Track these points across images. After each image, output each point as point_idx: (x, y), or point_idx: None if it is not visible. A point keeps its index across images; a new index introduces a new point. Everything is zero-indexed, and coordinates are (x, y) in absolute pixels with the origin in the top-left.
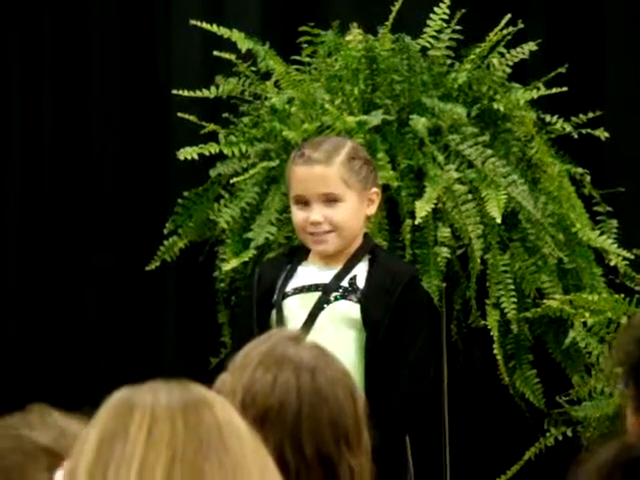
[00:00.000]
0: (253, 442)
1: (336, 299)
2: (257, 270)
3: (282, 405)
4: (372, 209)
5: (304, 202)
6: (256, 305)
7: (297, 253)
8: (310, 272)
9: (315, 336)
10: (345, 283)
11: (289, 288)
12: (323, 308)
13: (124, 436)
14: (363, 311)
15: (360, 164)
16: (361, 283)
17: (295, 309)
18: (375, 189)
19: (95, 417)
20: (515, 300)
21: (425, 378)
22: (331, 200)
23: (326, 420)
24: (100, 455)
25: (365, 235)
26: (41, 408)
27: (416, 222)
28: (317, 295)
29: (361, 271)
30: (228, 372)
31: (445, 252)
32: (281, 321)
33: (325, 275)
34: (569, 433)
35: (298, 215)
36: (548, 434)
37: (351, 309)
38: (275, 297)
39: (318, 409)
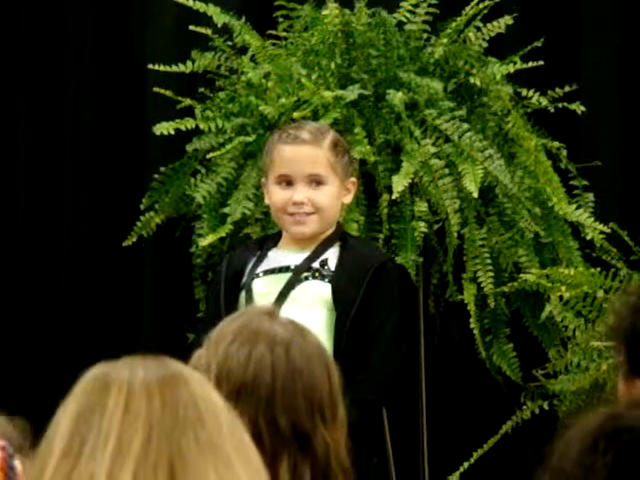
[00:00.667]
0: (229, 417)
1: (307, 279)
2: (227, 256)
3: (256, 379)
4: (348, 198)
5: (287, 182)
6: (224, 288)
7: (268, 240)
8: (281, 256)
9: (286, 315)
10: (316, 265)
11: (259, 270)
12: (294, 287)
13: (101, 411)
14: (334, 291)
15: (343, 151)
16: (332, 266)
17: (265, 290)
18: (353, 179)
19: (71, 393)
20: (492, 274)
21: (394, 363)
22: (316, 182)
23: (300, 394)
24: (77, 429)
25: (337, 223)
26: None
27: (393, 197)
28: (287, 276)
29: (332, 255)
30: (203, 348)
31: (422, 227)
32: (250, 302)
33: (296, 258)
34: (545, 406)
35: (279, 195)
36: (525, 407)
37: (322, 289)
38: (244, 280)
39: (292, 383)
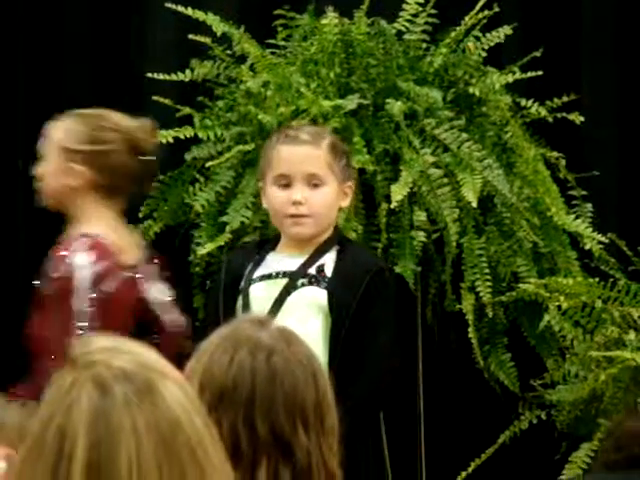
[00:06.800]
0: None
1: (303, 285)
2: (226, 258)
3: (236, 385)
4: (346, 202)
5: (286, 183)
6: (223, 292)
7: (267, 243)
8: (278, 260)
9: (281, 322)
10: (312, 270)
11: (256, 275)
12: (290, 294)
13: None
14: (330, 297)
15: (341, 154)
16: (329, 272)
17: (261, 296)
18: (350, 183)
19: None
20: (490, 284)
21: (387, 371)
22: (314, 182)
23: (280, 399)
24: None
25: (335, 227)
26: None
27: (392, 206)
28: (284, 282)
29: (329, 260)
30: (192, 358)
31: (421, 236)
32: (247, 307)
33: (293, 263)
34: (543, 416)
35: (278, 196)
36: (522, 417)
37: (318, 295)
38: (242, 284)
39: (272, 388)
